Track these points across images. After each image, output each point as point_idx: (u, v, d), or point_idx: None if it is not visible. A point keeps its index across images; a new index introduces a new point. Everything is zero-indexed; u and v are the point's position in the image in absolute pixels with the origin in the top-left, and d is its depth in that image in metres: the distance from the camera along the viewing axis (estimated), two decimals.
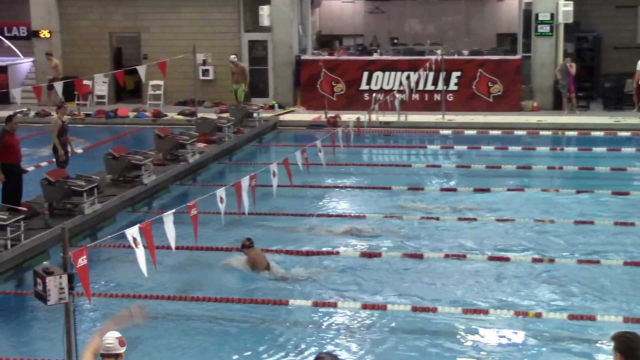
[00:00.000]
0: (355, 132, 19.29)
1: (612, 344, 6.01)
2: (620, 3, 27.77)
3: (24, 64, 30.72)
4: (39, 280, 7.72)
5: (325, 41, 30.06)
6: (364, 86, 26.74)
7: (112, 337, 6.80)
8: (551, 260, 13.05)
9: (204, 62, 27.48)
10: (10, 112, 16.65)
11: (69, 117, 17.67)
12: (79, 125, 24.94)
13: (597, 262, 12.95)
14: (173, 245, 9.80)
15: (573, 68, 24.89)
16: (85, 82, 26.31)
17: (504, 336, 10.67)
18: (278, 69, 27.67)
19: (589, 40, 27.45)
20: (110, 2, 28.69)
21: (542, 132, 23.43)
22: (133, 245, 8.71)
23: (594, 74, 27.08)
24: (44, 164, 19.40)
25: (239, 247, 13.10)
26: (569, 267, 12.85)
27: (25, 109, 25.97)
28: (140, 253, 8.75)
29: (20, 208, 14.04)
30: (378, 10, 30.70)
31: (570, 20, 25.73)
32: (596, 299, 11.76)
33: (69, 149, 17.38)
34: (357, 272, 12.92)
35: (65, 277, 7.64)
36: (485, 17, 30.20)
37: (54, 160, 17.39)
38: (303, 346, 10.46)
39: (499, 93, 25.98)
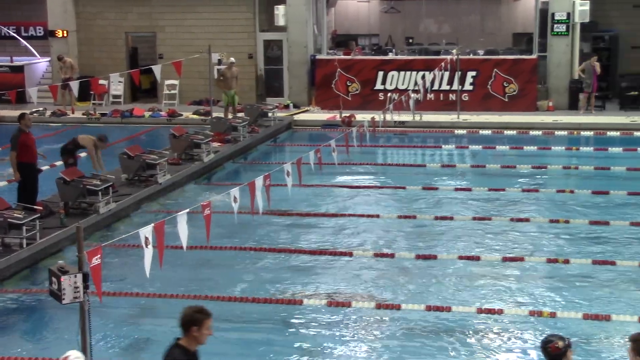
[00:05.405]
0: (370, 132, 19.27)
1: (630, 345, 6.00)
2: (637, 2, 27.58)
3: (41, 64, 30.87)
4: (54, 279, 7.76)
5: (341, 41, 30.05)
6: (379, 86, 26.71)
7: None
8: (566, 261, 12.99)
9: (219, 62, 27.49)
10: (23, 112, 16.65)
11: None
12: (95, 125, 25.03)
13: (613, 263, 12.88)
14: (185, 245, 9.83)
15: (598, 67, 24.77)
16: (101, 81, 26.44)
17: (519, 336, 10.64)
18: (293, 68, 27.69)
19: (605, 39, 27.31)
20: (126, 2, 28.78)
21: (557, 132, 23.34)
22: (143, 244, 8.74)
23: (610, 74, 26.93)
24: (58, 163, 19.47)
25: (252, 247, 13.07)
26: (584, 268, 12.80)
27: (41, 109, 26.10)
28: (148, 253, 8.78)
29: (35, 207, 14.12)
30: (393, 9, 30.69)
31: (587, 20, 25.61)
32: (611, 299, 11.72)
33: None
34: (370, 273, 12.92)
35: (80, 276, 7.68)
36: (501, 17, 30.13)
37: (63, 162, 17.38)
38: (316, 346, 10.46)
39: (515, 93, 25.90)
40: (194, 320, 6.59)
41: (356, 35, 30.60)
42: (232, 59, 24.68)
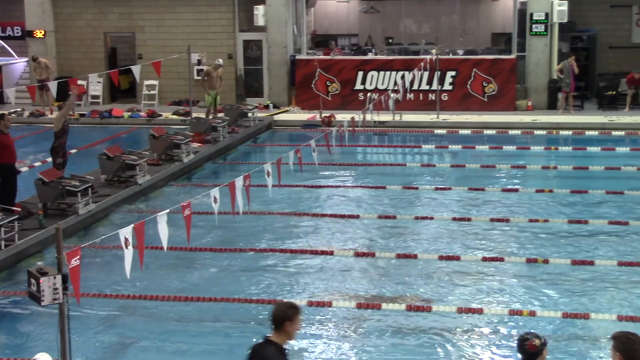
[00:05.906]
0: (349, 132, 19.30)
1: (612, 343, 6.03)
2: (615, 2, 27.80)
3: (18, 64, 30.66)
4: (33, 281, 7.71)
5: (320, 41, 30.06)
6: (358, 86, 26.74)
7: None
8: (545, 261, 13.05)
9: (199, 62, 27.44)
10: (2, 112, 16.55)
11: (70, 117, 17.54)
12: (73, 125, 24.86)
13: (592, 262, 12.95)
14: (165, 245, 9.80)
15: (575, 66, 24.92)
16: (79, 82, 26.28)
17: (498, 335, 10.68)
18: (273, 68, 27.67)
19: (583, 39, 27.49)
20: (105, 2, 28.64)
21: (536, 132, 23.45)
22: (123, 245, 8.70)
23: (588, 74, 27.11)
24: (37, 164, 19.38)
25: (232, 247, 13.06)
26: (563, 267, 12.86)
27: (19, 109, 25.94)
28: (129, 254, 8.74)
29: (14, 208, 14.03)
30: (373, 9, 30.71)
31: (565, 20, 25.76)
32: (590, 298, 11.78)
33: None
34: (350, 272, 12.93)
35: (59, 278, 7.63)
36: (480, 17, 30.23)
37: (52, 161, 17.28)
38: (296, 346, 10.45)
39: (494, 92, 26.00)
40: (287, 316, 6.45)
41: (336, 35, 30.62)
42: (220, 61, 24.49)
